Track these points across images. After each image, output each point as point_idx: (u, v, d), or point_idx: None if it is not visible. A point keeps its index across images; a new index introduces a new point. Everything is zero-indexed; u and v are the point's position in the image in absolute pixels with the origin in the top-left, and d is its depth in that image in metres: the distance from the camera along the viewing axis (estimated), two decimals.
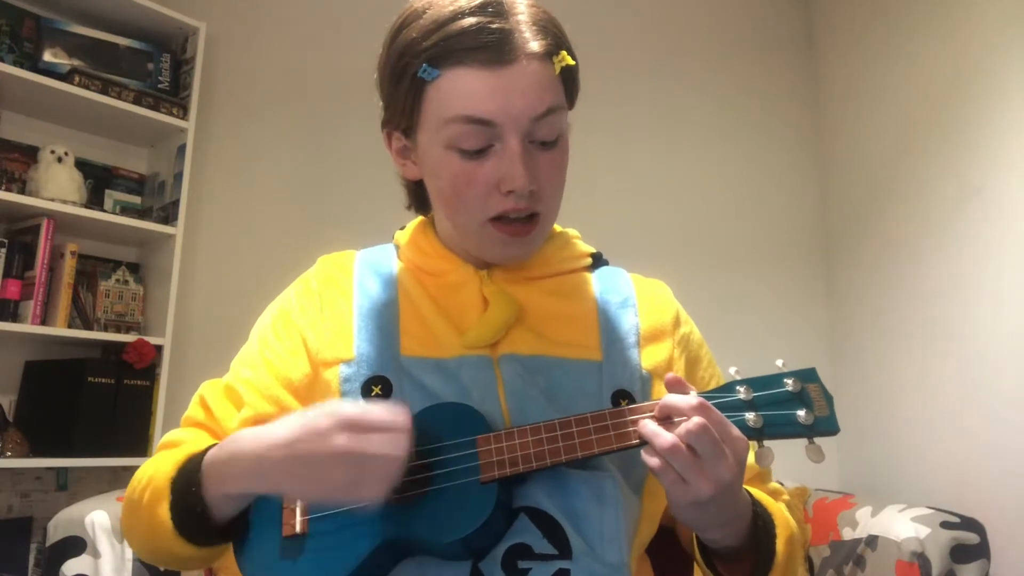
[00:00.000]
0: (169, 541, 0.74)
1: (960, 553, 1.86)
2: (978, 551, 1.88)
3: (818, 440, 0.72)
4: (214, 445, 0.75)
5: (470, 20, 0.75)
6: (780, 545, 0.78)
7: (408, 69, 0.78)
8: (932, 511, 1.94)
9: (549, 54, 0.77)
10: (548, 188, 0.80)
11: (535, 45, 0.76)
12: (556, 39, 0.79)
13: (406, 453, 0.66)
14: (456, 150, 0.78)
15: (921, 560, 1.83)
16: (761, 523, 0.78)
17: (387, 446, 0.65)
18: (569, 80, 0.81)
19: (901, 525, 1.91)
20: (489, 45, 0.74)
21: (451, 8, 0.76)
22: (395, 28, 0.81)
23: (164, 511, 0.73)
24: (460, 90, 0.75)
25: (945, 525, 1.88)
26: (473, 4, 0.76)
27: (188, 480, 0.74)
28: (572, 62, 0.80)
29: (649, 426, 0.69)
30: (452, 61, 0.75)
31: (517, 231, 0.81)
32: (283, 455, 0.67)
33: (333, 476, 0.65)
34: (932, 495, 2.15)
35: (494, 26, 0.75)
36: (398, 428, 0.66)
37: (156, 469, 0.78)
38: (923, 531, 1.87)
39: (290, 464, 0.67)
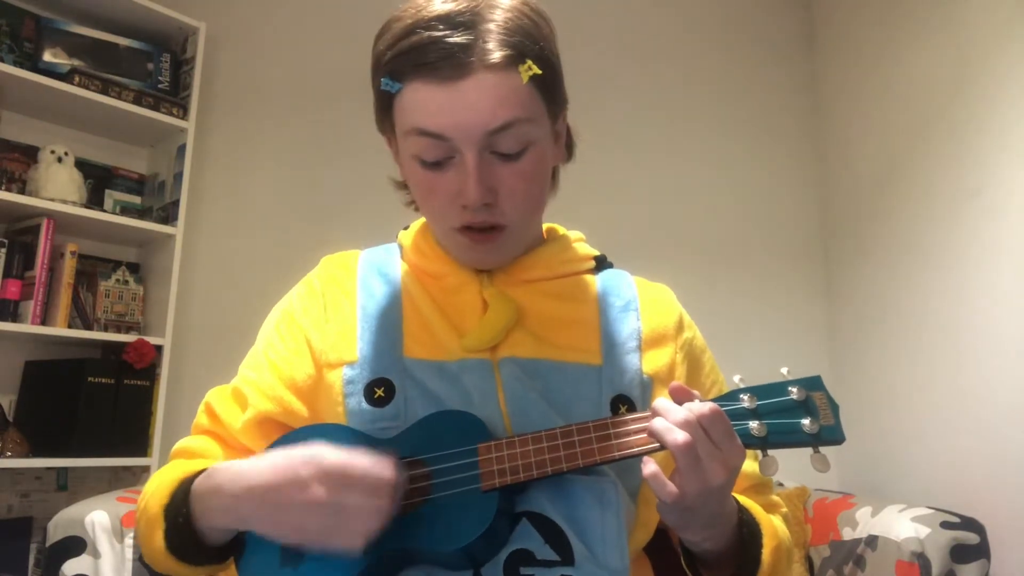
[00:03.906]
0: (171, 565, 0.75)
1: (960, 553, 1.86)
2: (978, 551, 1.88)
3: (823, 449, 0.71)
4: (205, 471, 0.75)
5: (425, 34, 0.73)
6: (766, 555, 0.78)
7: (376, 80, 0.78)
8: (932, 511, 1.94)
9: (513, 64, 0.74)
10: (511, 200, 0.78)
11: (496, 56, 0.72)
12: (522, 48, 0.74)
13: (390, 506, 0.65)
14: (418, 160, 0.78)
15: (921, 560, 1.83)
16: (747, 531, 0.78)
17: (366, 500, 0.64)
18: (546, 88, 0.77)
19: (901, 525, 1.91)
20: (441, 60, 0.72)
21: (410, 21, 0.74)
22: (376, 36, 0.80)
23: (160, 539, 0.75)
24: (416, 103, 0.75)
25: (945, 525, 1.89)
26: (437, 14, 0.74)
27: (176, 509, 0.75)
28: (539, 71, 0.75)
29: (662, 402, 0.70)
30: (410, 75, 0.74)
31: (479, 239, 0.81)
32: (259, 499, 0.67)
33: (307, 525, 0.65)
34: (932, 495, 2.15)
35: (450, 40, 0.72)
36: (381, 481, 0.65)
37: (154, 489, 0.79)
38: (923, 531, 1.87)
39: (265, 509, 0.67)
